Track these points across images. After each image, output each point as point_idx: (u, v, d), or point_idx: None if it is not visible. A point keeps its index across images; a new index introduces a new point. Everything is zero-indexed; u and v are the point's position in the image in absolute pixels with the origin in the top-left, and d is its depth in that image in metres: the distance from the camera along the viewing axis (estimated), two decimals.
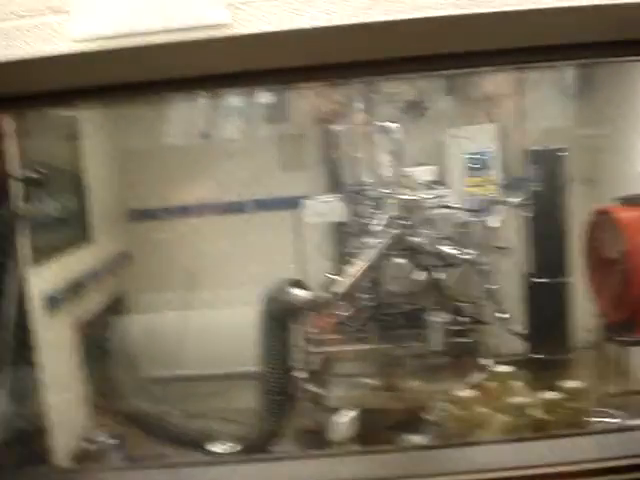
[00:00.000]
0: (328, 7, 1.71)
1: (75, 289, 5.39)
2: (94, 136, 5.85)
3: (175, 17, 1.81)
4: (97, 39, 1.87)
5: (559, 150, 4.82)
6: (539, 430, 2.57)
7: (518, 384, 2.86)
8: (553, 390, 2.77)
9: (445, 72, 2.33)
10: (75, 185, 5.75)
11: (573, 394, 2.68)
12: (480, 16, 1.85)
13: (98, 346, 5.49)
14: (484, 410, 2.69)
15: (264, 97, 6.26)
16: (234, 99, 5.98)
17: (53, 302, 5.06)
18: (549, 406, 2.61)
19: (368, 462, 2.27)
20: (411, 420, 3.78)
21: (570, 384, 2.72)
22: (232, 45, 1.85)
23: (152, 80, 2.13)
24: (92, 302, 5.74)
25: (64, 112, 5.03)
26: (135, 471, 2.55)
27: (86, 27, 1.88)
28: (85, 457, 4.88)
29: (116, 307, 6.13)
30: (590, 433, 2.44)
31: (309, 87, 2.48)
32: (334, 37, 1.81)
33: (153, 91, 2.20)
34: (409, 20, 1.74)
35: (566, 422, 2.58)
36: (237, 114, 6.19)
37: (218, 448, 3.37)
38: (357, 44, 1.87)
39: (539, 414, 2.60)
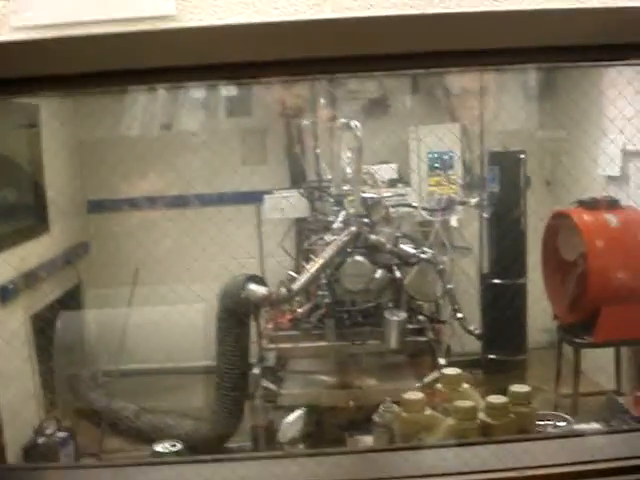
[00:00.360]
0: (275, 2, 1.68)
1: (29, 280, 5.30)
2: (54, 126, 5.76)
3: (119, 8, 1.77)
4: (39, 28, 1.82)
5: (519, 152, 4.83)
6: (485, 435, 2.56)
7: (467, 387, 2.85)
8: (504, 393, 2.76)
9: (405, 72, 2.30)
10: (32, 175, 5.66)
11: (520, 398, 2.67)
12: (436, 17, 1.83)
13: (52, 338, 5.41)
14: (430, 413, 2.68)
15: (227, 91, 6.20)
16: (196, 92, 5.91)
17: (5, 293, 4.99)
18: (496, 410, 2.61)
19: (315, 464, 2.25)
20: (362, 420, 3.77)
21: (517, 388, 2.72)
22: (179, 38, 1.81)
23: (101, 71, 2.07)
24: (47, 293, 5.66)
25: (18, 100, 4.94)
26: (79, 470, 2.51)
27: (28, 15, 1.84)
28: (35, 451, 4.82)
29: (72, 299, 6.05)
30: (535, 439, 2.44)
31: (261, 82, 2.44)
32: (283, 32, 1.78)
33: (103, 82, 2.15)
34: (357, 18, 1.71)
35: (512, 427, 2.58)
36: (199, 107, 6.13)
37: (161, 448, 3.32)
38: (307, 41, 1.84)
39: (486, 418, 2.60)
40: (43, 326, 5.37)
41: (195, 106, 6.06)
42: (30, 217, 5.63)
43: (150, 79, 2.03)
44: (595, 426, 2.90)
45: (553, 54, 1.88)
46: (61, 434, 5.01)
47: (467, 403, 2.63)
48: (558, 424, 3.00)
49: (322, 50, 1.78)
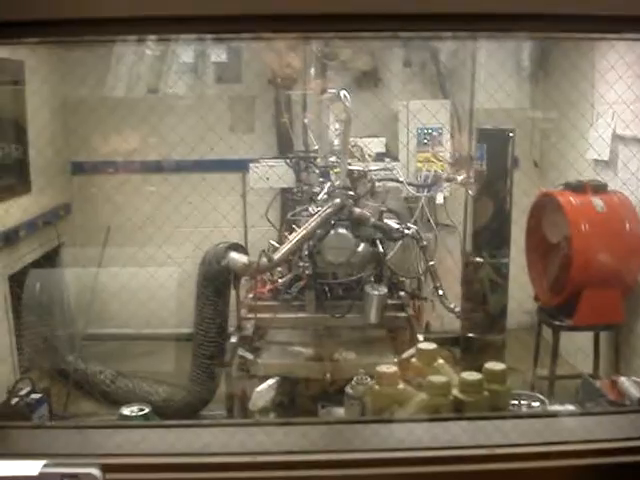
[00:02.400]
0: None
1: (7, 240, 5.24)
2: (39, 84, 5.66)
3: None
4: None
5: (508, 130, 4.78)
6: (458, 411, 2.54)
7: (442, 363, 2.82)
8: (480, 371, 2.73)
9: (396, 33, 2.23)
10: (14, 133, 5.57)
11: (495, 376, 2.65)
12: None
13: (30, 298, 5.35)
14: (404, 387, 2.66)
15: (217, 56, 6.12)
16: (185, 56, 5.83)
17: None
18: (469, 387, 2.58)
19: (283, 433, 2.22)
20: (336, 392, 3.75)
21: (492, 366, 2.69)
22: None
23: (86, 18, 2.00)
24: (26, 254, 5.59)
25: (3, 56, 4.86)
26: (43, 430, 2.47)
27: None
28: (8, 412, 4.78)
29: (51, 260, 5.98)
30: (507, 417, 2.42)
31: (247, 39, 2.39)
32: None
33: (88, 30, 2.06)
34: None
35: (485, 404, 2.56)
36: (188, 72, 6.04)
37: (128, 411, 3.29)
38: None
39: (459, 394, 2.57)
40: (21, 286, 5.32)
41: (183, 71, 5.97)
42: (11, 176, 5.55)
43: (133, 29, 1.97)
44: (569, 407, 2.88)
45: (549, 23, 1.84)
46: (35, 395, 4.96)
47: (441, 378, 2.61)
48: (532, 404, 2.98)
49: (309, 6, 1.73)
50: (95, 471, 1.42)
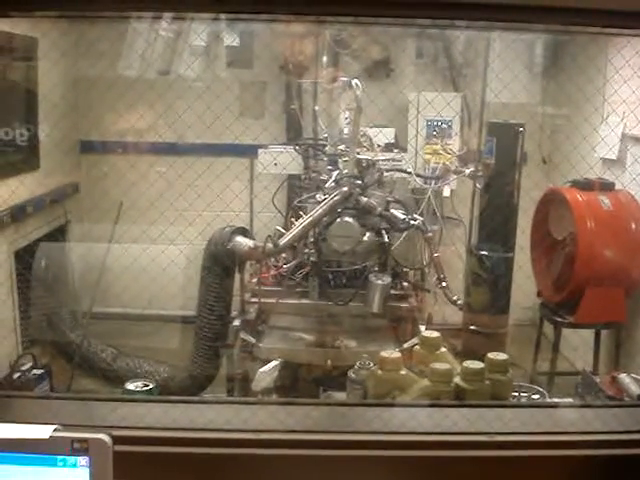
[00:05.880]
0: None
1: (15, 215, 5.25)
2: (51, 62, 5.66)
3: None
4: None
5: (518, 125, 4.79)
6: (459, 399, 2.56)
7: (445, 351, 2.85)
8: (480, 361, 2.75)
9: (412, 21, 2.24)
10: (25, 109, 5.57)
11: (497, 366, 2.67)
12: None
13: (35, 275, 5.37)
14: (406, 373, 2.68)
15: (229, 40, 6.12)
16: (197, 39, 5.82)
17: None
18: (471, 375, 2.60)
19: (286, 413, 2.25)
20: (337, 377, 3.78)
21: (494, 356, 2.71)
22: None
23: None
24: (33, 230, 5.60)
25: (17, 32, 4.87)
26: (49, 400, 2.49)
27: None
28: (9, 386, 4.80)
29: (58, 238, 6.00)
30: (508, 406, 2.44)
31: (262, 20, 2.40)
32: None
33: (106, 5, 2.08)
34: None
35: (487, 393, 2.58)
36: (200, 55, 6.04)
37: (133, 386, 3.31)
38: None
39: (461, 382, 2.59)
40: (27, 262, 5.33)
41: (196, 53, 5.97)
42: (20, 152, 5.56)
43: (150, 6, 1.98)
44: (569, 400, 2.91)
45: (564, 15, 1.85)
46: (37, 371, 4.98)
47: (444, 366, 2.63)
48: (533, 397, 3.00)
49: None
50: (105, 437, 1.45)
